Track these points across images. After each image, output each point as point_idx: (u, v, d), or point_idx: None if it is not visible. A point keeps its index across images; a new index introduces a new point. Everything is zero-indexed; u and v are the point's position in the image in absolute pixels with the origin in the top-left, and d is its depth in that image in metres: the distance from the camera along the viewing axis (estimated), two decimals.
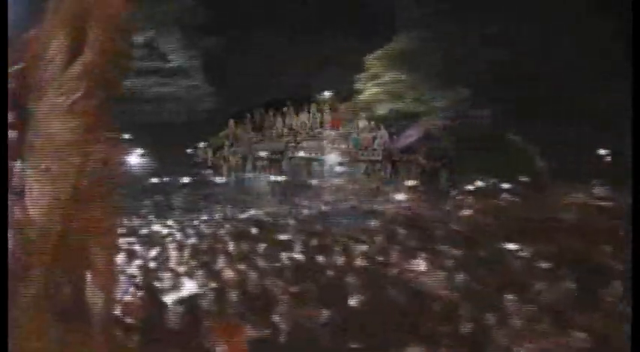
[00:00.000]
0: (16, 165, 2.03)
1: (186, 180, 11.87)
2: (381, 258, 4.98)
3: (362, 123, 12.08)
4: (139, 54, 11.26)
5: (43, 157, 1.96)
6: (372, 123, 11.90)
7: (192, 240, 6.16)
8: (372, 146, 11.79)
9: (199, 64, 12.22)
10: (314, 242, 5.77)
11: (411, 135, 11.50)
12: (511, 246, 5.61)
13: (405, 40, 11.01)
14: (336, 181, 11.68)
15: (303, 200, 10.31)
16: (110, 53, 2.05)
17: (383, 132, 11.79)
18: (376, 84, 11.63)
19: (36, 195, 1.90)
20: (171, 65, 12.17)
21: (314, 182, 11.49)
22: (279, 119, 12.36)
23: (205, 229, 7.27)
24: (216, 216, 8.98)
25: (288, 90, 12.65)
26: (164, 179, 11.57)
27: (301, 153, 12.11)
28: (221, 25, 11.15)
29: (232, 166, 12.00)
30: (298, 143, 11.96)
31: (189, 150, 12.40)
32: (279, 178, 11.71)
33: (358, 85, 11.83)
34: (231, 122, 12.46)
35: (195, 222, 7.98)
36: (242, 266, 4.66)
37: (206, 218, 8.75)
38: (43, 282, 1.90)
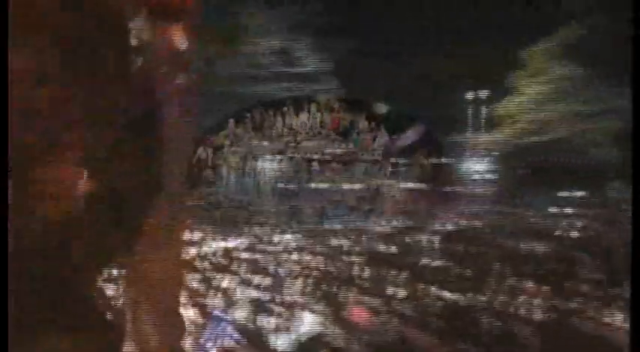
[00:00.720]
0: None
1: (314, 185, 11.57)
2: (561, 303, 3.65)
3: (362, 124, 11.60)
4: (271, 59, 11.20)
5: None
6: (372, 123, 11.31)
7: (313, 262, 5.26)
8: (372, 146, 11.45)
9: (330, 68, 11.89)
10: (467, 273, 4.55)
11: (409, 137, 10.99)
12: None
13: (574, 30, 9.25)
14: (479, 190, 10.32)
15: (441, 212, 9.05)
16: None
17: (383, 133, 11.31)
18: (539, 82, 10.00)
19: None
20: (302, 70, 11.99)
21: (458, 190, 10.22)
22: (279, 119, 11.71)
23: (328, 244, 6.34)
24: (342, 227, 8.05)
25: (426, 91, 11.70)
26: (289, 185, 11.27)
27: (442, 160, 11.27)
28: (354, 29, 10.55)
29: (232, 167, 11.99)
30: (298, 143, 11.55)
31: (315, 156, 12.08)
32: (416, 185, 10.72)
33: (517, 83, 10.28)
34: (232, 122, 12.34)
35: (315, 238, 7.08)
36: (375, 302, 3.68)
37: (327, 227, 7.87)
38: None
